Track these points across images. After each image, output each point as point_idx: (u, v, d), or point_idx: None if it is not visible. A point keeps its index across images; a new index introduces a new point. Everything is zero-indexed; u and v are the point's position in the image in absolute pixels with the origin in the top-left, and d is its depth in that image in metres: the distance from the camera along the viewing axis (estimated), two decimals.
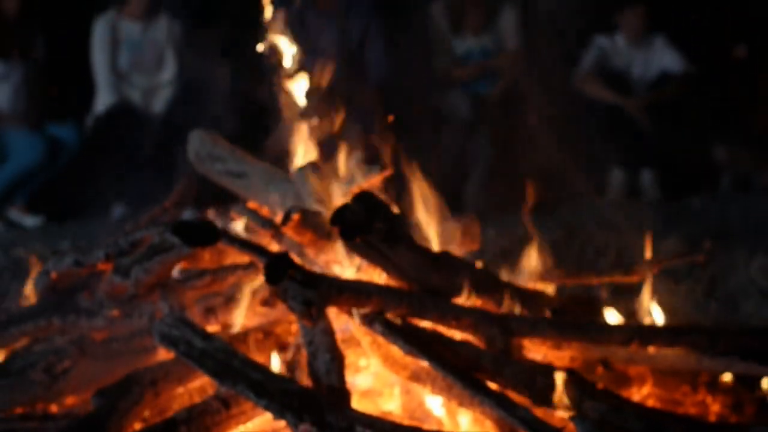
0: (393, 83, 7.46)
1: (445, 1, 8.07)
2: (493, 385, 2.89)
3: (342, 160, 3.65)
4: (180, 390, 3.05)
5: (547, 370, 2.94)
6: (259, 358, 2.94)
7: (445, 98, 7.96)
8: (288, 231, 3.32)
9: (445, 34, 8.05)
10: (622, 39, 8.30)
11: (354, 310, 2.96)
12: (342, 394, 2.79)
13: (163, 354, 3.11)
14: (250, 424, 2.90)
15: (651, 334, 3.28)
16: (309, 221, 3.30)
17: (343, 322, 3.06)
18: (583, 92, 8.23)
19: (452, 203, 3.62)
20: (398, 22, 7.61)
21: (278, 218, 3.42)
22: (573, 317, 3.45)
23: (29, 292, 3.72)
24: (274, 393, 2.66)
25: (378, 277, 3.17)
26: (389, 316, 2.95)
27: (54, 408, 3.22)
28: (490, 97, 7.97)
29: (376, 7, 7.58)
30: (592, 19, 8.09)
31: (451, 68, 8.06)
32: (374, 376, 3.14)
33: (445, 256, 3.23)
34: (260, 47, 3.85)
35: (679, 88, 8.20)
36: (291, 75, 3.83)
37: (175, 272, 3.44)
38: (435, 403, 3.03)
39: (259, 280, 3.14)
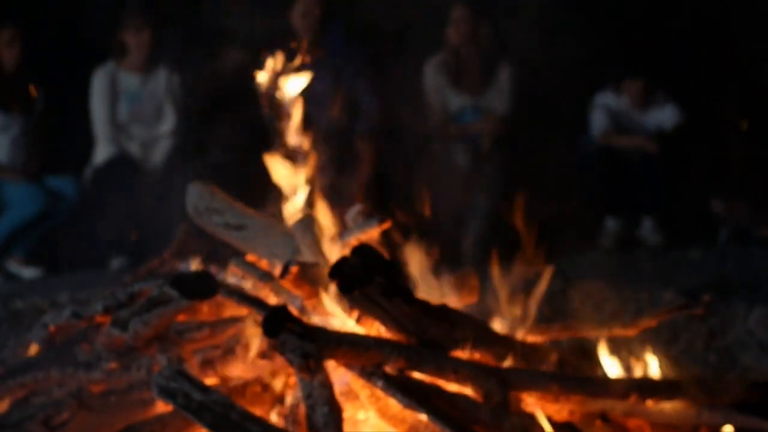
0: (385, 132, 7.48)
1: (443, 57, 8.11)
2: None
3: (340, 212, 3.66)
4: None
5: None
6: (257, 411, 2.94)
7: (442, 149, 7.98)
8: (286, 284, 3.32)
9: (440, 91, 8.09)
10: (626, 102, 8.38)
11: (352, 363, 2.96)
12: None
13: (162, 407, 3.10)
14: None
15: (650, 387, 3.27)
16: (307, 274, 3.30)
17: (341, 375, 3.06)
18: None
19: (450, 255, 3.62)
20: (390, 71, 7.65)
21: (277, 271, 3.42)
22: (571, 370, 3.45)
23: (28, 344, 3.71)
24: None
25: (376, 330, 3.17)
26: (387, 369, 2.95)
27: None
28: (486, 148, 8.00)
29: (368, 56, 7.62)
30: (592, 74, 8.17)
31: (445, 124, 8.08)
32: (373, 429, 3.13)
33: (443, 309, 3.23)
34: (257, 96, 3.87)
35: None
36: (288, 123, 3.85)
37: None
38: None
39: (257, 332, 3.14)
